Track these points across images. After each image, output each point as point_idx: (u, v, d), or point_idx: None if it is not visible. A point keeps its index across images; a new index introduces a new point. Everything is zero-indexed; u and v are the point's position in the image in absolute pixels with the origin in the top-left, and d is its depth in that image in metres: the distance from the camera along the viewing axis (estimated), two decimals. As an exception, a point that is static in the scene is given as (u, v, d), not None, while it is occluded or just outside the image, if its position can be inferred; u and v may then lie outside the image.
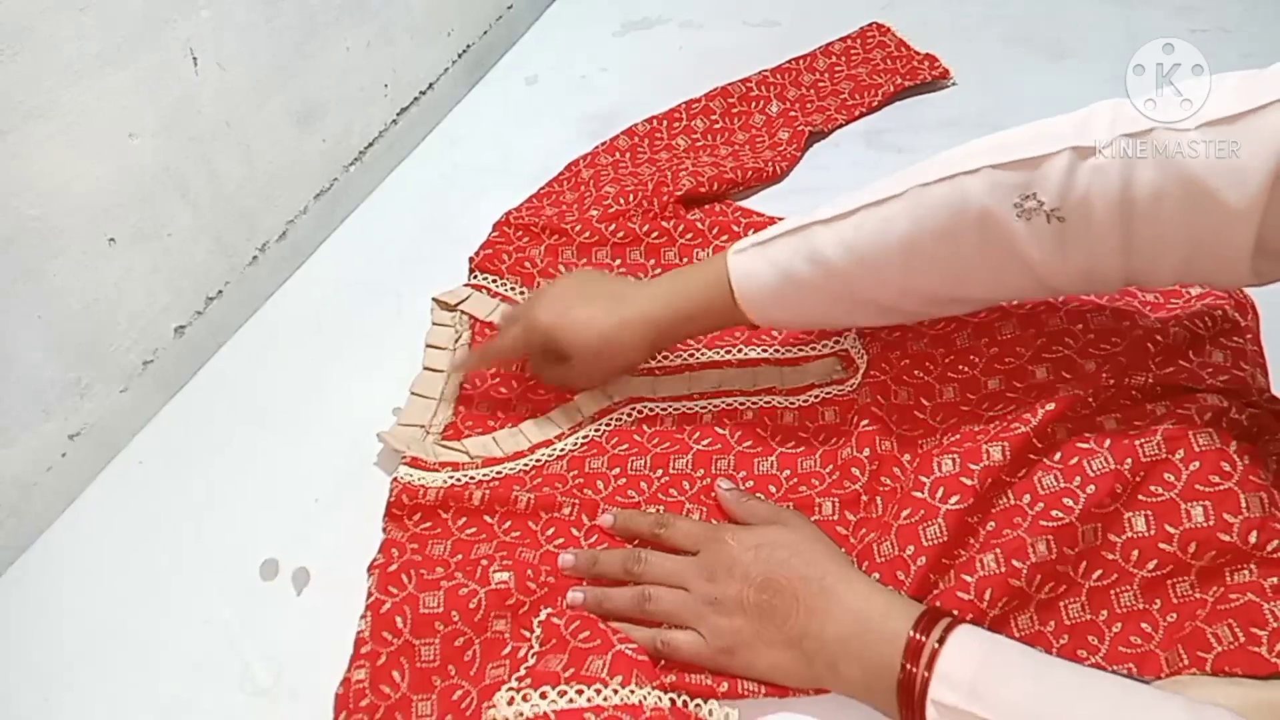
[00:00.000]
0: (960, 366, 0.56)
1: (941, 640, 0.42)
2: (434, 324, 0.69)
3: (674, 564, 0.51)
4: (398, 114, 0.86)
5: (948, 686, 0.41)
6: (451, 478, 0.58)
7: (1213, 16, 0.90)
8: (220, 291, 0.70)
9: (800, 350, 0.64)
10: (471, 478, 0.58)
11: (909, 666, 0.42)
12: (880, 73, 0.87)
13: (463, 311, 0.70)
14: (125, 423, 0.64)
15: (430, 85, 0.89)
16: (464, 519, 0.56)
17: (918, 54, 0.88)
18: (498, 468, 0.59)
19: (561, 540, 0.55)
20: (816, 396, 0.60)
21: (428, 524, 0.56)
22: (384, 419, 0.63)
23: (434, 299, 0.71)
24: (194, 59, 0.63)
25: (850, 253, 0.50)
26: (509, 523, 0.56)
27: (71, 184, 0.57)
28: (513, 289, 0.71)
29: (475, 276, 0.72)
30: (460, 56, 0.93)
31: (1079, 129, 0.43)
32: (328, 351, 0.70)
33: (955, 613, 0.45)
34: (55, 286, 0.57)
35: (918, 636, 0.43)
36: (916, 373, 0.57)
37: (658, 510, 0.56)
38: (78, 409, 0.61)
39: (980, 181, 0.45)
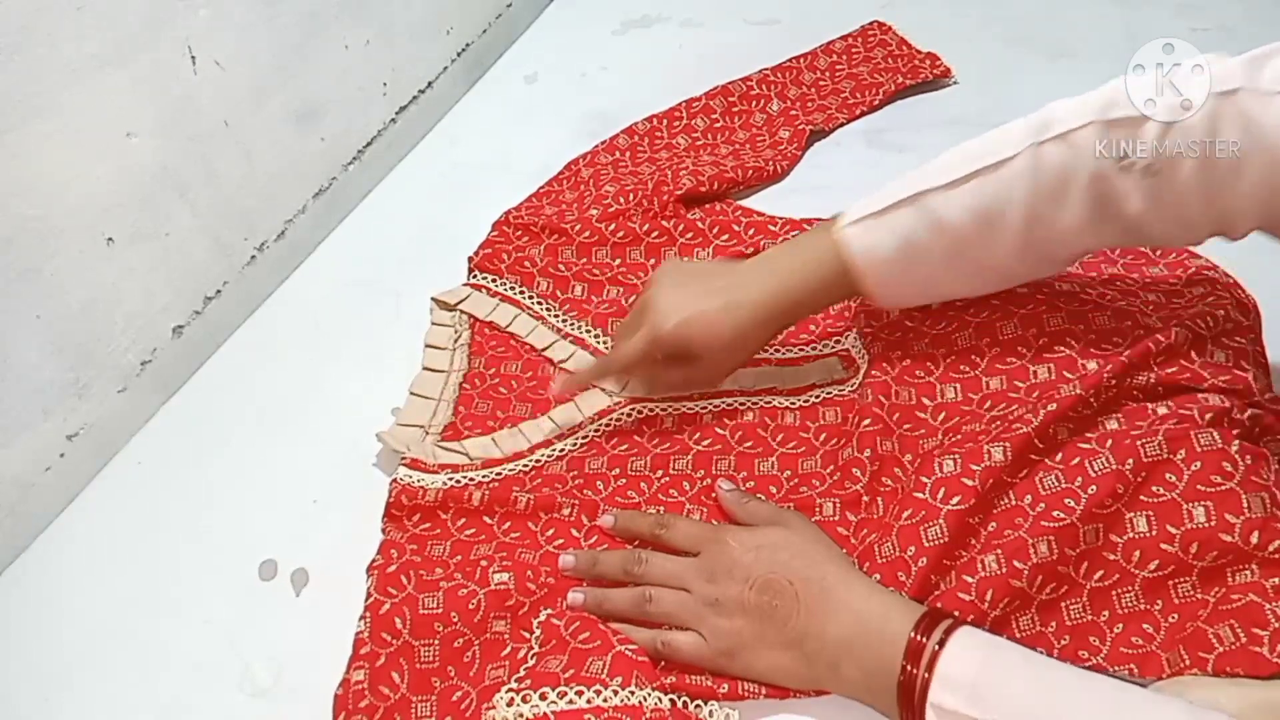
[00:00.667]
0: (961, 366, 0.56)
1: (942, 643, 0.42)
2: (433, 324, 0.69)
3: (675, 565, 0.51)
4: (397, 113, 0.85)
5: (948, 690, 0.41)
6: (451, 479, 0.58)
7: (1213, 16, 0.90)
8: (219, 291, 0.70)
9: (801, 350, 0.64)
10: (471, 479, 0.58)
11: (909, 668, 0.42)
12: (881, 71, 0.87)
13: (462, 311, 0.69)
14: (124, 423, 0.64)
15: (429, 84, 0.89)
16: (463, 520, 0.56)
17: (919, 53, 0.88)
18: (497, 469, 0.59)
19: (561, 541, 0.55)
20: (818, 397, 0.60)
21: (427, 525, 0.56)
22: (383, 419, 0.63)
23: (433, 298, 0.70)
24: (193, 58, 0.63)
25: (976, 217, 0.50)
26: (508, 524, 0.56)
27: (70, 184, 0.57)
28: (512, 288, 0.71)
29: (475, 276, 0.72)
30: (459, 55, 0.93)
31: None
32: (327, 351, 0.69)
33: (956, 614, 0.45)
34: (54, 286, 0.57)
35: (918, 638, 0.43)
36: (918, 373, 0.57)
37: (658, 511, 0.56)
38: (76, 409, 0.61)
39: (1088, 137, 0.47)
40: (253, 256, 0.72)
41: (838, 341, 0.63)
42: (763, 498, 0.56)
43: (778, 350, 0.64)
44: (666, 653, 0.49)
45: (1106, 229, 0.49)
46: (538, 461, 0.59)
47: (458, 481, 0.57)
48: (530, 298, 0.70)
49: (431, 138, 0.89)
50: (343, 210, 0.81)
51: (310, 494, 0.60)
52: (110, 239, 0.60)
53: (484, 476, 0.58)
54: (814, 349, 0.63)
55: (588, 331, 0.67)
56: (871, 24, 0.92)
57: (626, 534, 0.55)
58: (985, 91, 0.85)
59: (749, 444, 0.59)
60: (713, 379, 0.60)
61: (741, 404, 0.61)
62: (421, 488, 0.57)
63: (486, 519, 0.56)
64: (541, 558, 0.53)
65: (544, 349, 0.67)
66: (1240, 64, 0.44)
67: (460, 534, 0.56)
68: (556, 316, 0.69)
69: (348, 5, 0.77)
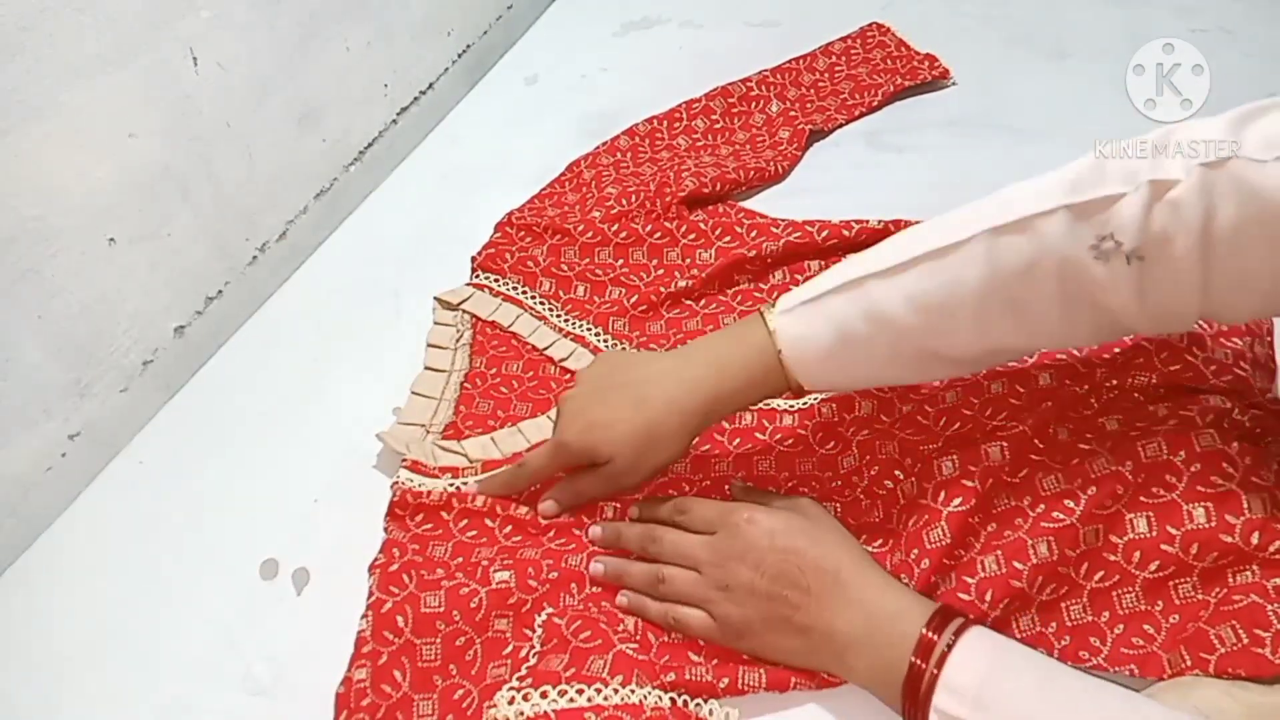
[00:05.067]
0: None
1: (951, 644, 0.42)
2: (436, 323, 0.69)
3: (688, 544, 0.51)
4: (398, 114, 0.85)
5: (954, 697, 0.41)
6: (451, 485, 0.58)
7: (1213, 16, 0.90)
8: (220, 291, 0.70)
9: None
10: (471, 484, 0.58)
11: (918, 662, 0.43)
12: (880, 72, 0.87)
13: (465, 311, 0.70)
14: (125, 423, 0.64)
15: (430, 85, 0.89)
16: (465, 520, 0.56)
17: (918, 54, 0.88)
18: (495, 473, 0.59)
19: (563, 540, 0.55)
20: (817, 398, 0.60)
21: (429, 525, 0.56)
22: (384, 419, 0.63)
23: (436, 298, 0.71)
24: (194, 59, 0.63)
25: (917, 307, 0.45)
26: (510, 526, 0.56)
27: (72, 184, 0.57)
28: (515, 288, 0.71)
29: (477, 276, 0.72)
30: (460, 56, 0.93)
31: (1153, 163, 0.41)
32: (327, 351, 0.69)
33: (969, 615, 0.45)
34: (55, 286, 0.57)
35: (930, 634, 0.43)
36: (922, 387, 0.57)
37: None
38: (78, 409, 0.61)
39: (1056, 224, 0.42)
40: (254, 257, 0.72)
41: None
42: (775, 490, 0.56)
43: None
44: (678, 627, 0.49)
45: (1080, 324, 0.44)
46: None
47: (458, 487, 0.58)
48: (533, 298, 0.70)
49: (432, 139, 0.89)
50: (344, 211, 0.81)
51: (311, 493, 0.60)
52: (112, 239, 0.60)
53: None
54: None
55: (589, 330, 0.67)
56: (870, 25, 0.92)
57: (648, 521, 0.55)
58: (985, 92, 0.85)
59: (748, 446, 0.59)
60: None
61: None
62: (423, 491, 0.57)
63: (488, 521, 0.56)
64: (543, 555, 0.53)
65: (545, 348, 0.67)
66: (1223, 127, 0.40)
67: (462, 535, 0.56)
68: (559, 316, 0.69)
69: (349, 6, 0.77)
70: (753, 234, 0.69)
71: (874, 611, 0.45)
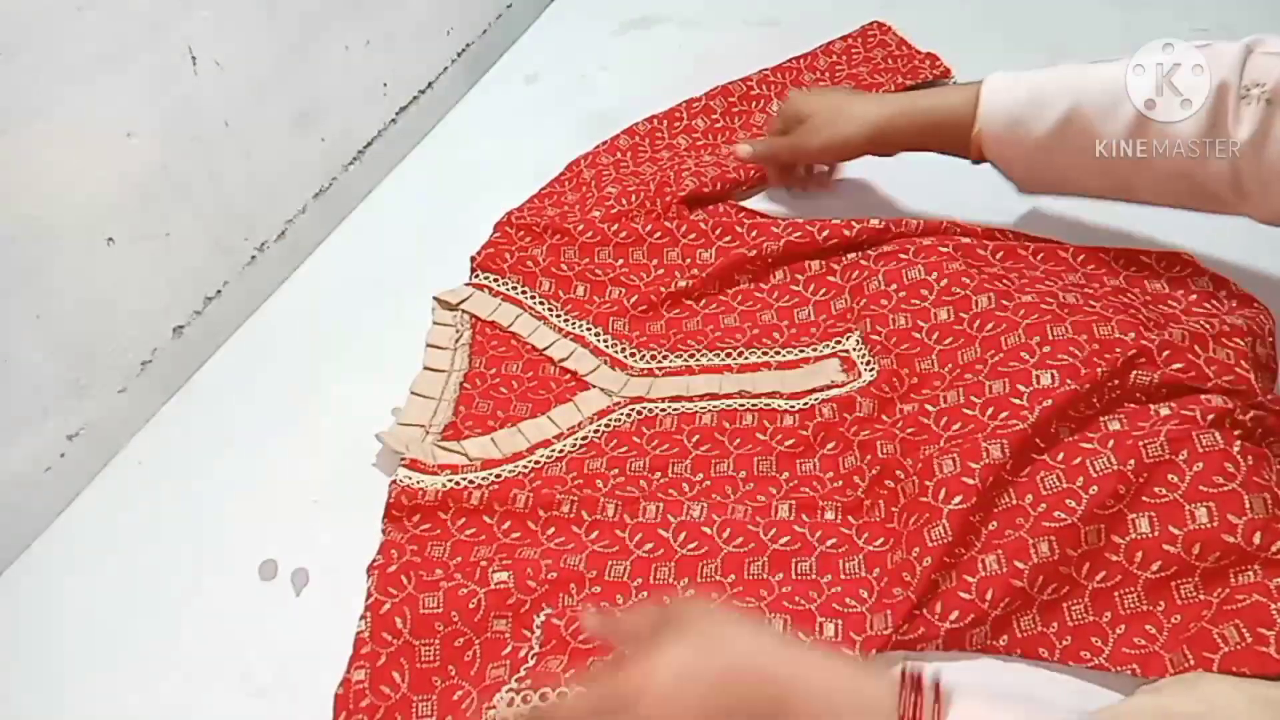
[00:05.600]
0: (965, 375, 0.56)
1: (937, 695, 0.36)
2: (435, 323, 0.69)
3: None
4: (397, 113, 0.85)
5: None
6: (450, 481, 0.58)
7: (1213, 16, 0.90)
8: (219, 291, 0.70)
9: (801, 352, 0.63)
10: (470, 481, 0.58)
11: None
12: (881, 72, 0.87)
13: (464, 311, 0.69)
14: (124, 423, 0.64)
15: (429, 84, 0.89)
16: (463, 519, 0.56)
17: (919, 53, 0.88)
18: (496, 470, 0.59)
19: (562, 539, 0.55)
20: (817, 399, 0.60)
21: (427, 525, 0.56)
22: (384, 419, 0.63)
23: (435, 298, 0.70)
24: (193, 59, 0.63)
25: (1104, 93, 0.54)
26: (508, 523, 0.56)
27: (71, 184, 0.57)
28: (514, 288, 0.71)
29: (477, 276, 0.72)
30: (459, 55, 0.93)
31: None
32: (327, 351, 0.69)
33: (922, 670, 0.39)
34: (54, 286, 0.57)
35: (909, 699, 0.36)
36: (924, 390, 0.57)
37: (658, 509, 0.55)
38: (77, 409, 0.61)
39: (1232, 53, 0.51)
40: (253, 257, 0.72)
41: (838, 342, 0.63)
42: (646, 610, 0.44)
43: (777, 352, 0.64)
44: None
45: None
46: (536, 462, 0.59)
47: (457, 483, 0.57)
48: (532, 297, 0.70)
49: (431, 138, 0.89)
50: (343, 210, 0.81)
51: (311, 494, 0.60)
52: (111, 239, 0.60)
53: (483, 478, 0.58)
54: (814, 349, 0.63)
55: (588, 330, 0.67)
56: (871, 24, 0.92)
57: None
58: (985, 92, 0.85)
59: (749, 446, 0.59)
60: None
61: (741, 406, 0.61)
62: (421, 489, 0.57)
63: (486, 518, 0.56)
64: (542, 554, 0.53)
65: (545, 348, 0.67)
66: None
67: (460, 534, 0.56)
68: (558, 316, 0.69)
69: (348, 6, 0.77)
70: (754, 234, 0.69)
71: (830, 696, 0.38)
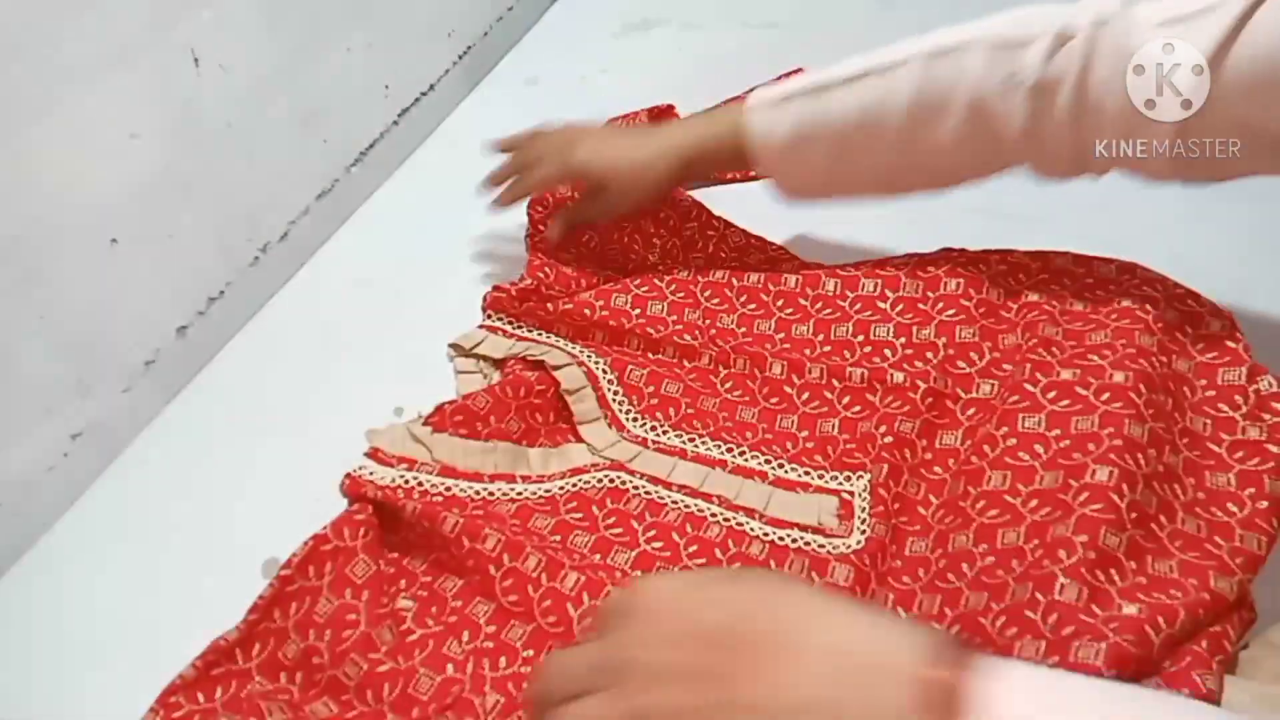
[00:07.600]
0: (949, 576, 0.49)
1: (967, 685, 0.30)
2: (458, 372, 0.66)
3: (572, 662, 0.36)
4: (399, 115, 0.86)
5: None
6: (400, 477, 0.56)
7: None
8: (222, 292, 0.70)
9: (803, 473, 0.56)
10: (420, 482, 0.56)
11: None
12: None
13: (480, 356, 0.66)
14: (127, 423, 0.64)
15: (431, 86, 0.89)
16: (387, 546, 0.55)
17: None
18: (448, 482, 0.57)
19: (478, 578, 0.52)
20: (794, 540, 0.52)
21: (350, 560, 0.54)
22: (385, 419, 0.63)
23: (450, 345, 0.67)
24: (195, 60, 0.63)
25: (860, 115, 0.54)
26: (432, 555, 0.54)
27: (73, 185, 0.57)
28: (529, 329, 0.67)
29: (489, 317, 0.68)
30: (461, 58, 0.93)
31: (1069, 15, 0.49)
32: (329, 352, 0.70)
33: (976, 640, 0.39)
34: (57, 287, 0.57)
35: (933, 673, 0.31)
36: (904, 579, 0.51)
37: (576, 584, 0.50)
38: (80, 409, 0.61)
39: (977, 58, 0.51)
40: (256, 257, 0.72)
41: (847, 478, 0.55)
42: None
43: (780, 465, 0.57)
44: None
45: (982, 151, 0.53)
46: (490, 494, 0.57)
47: (405, 481, 0.56)
48: (548, 338, 0.66)
49: (433, 139, 0.89)
50: (345, 211, 0.81)
51: (313, 493, 0.60)
52: (114, 240, 0.60)
53: (431, 485, 0.56)
54: (819, 476, 0.56)
55: (603, 371, 0.62)
56: None
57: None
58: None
59: (702, 560, 0.53)
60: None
61: (713, 515, 0.54)
62: (371, 481, 0.56)
63: (410, 537, 0.55)
64: (454, 594, 0.53)
65: (556, 368, 0.63)
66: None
67: (380, 559, 0.54)
68: (576, 349, 0.64)
69: (350, 8, 0.77)
70: (779, 302, 0.64)
71: (850, 654, 0.32)
